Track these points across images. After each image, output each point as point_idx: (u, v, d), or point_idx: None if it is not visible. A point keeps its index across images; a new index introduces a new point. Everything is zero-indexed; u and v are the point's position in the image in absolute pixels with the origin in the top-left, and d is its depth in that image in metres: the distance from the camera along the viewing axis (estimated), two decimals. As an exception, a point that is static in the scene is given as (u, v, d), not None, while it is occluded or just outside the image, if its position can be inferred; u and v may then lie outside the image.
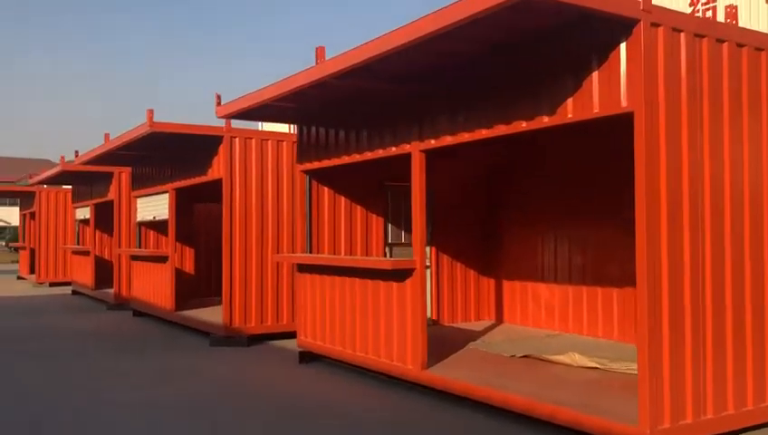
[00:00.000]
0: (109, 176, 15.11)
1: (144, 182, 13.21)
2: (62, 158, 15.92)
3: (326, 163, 8.22)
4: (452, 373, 6.47)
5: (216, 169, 10.17)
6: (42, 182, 19.66)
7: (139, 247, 13.57)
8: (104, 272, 16.29)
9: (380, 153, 7.25)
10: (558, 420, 5.25)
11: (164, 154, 11.90)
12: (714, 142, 5.02)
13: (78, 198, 18.19)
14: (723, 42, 5.10)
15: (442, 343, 7.72)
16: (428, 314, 8.83)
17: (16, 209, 52.14)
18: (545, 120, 5.33)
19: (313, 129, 8.47)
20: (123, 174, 14.86)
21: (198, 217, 13.80)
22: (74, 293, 18.52)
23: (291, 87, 6.74)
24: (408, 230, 9.65)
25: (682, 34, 4.85)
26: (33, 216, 22.60)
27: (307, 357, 8.47)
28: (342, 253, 8.88)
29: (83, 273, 17.43)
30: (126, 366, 8.67)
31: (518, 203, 9.65)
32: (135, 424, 6.10)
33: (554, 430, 5.32)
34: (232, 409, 6.47)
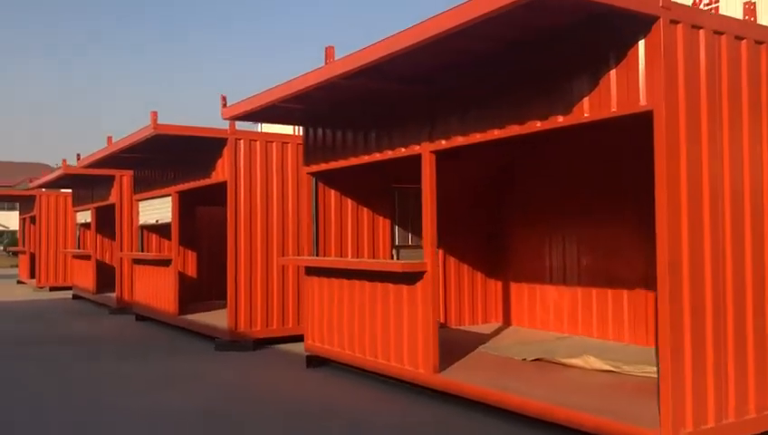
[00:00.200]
0: (110, 179, 15.01)
1: (146, 185, 13.11)
2: (64, 161, 15.81)
3: (333, 165, 8.13)
4: (465, 377, 6.37)
5: (221, 172, 10.08)
6: (42, 186, 19.56)
7: (141, 251, 13.47)
8: (105, 276, 16.17)
9: (389, 154, 7.17)
10: (576, 424, 5.15)
11: (167, 157, 11.81)
12: (733, 141, 4.94)
13: (79, 201, 18.07)
14: (741, 39, 5.02)
15: (451, 346, 7.62)
16: (437, 317, 8.74)
17: (14, 214, 52.02)
18: (560, 120, 5.25)
19: (320, 130, 8.39)
20: (125, 177, 14.76)
21: (200, 220, 13.72)
22: (75, 297, 18.40)
23: (300, 87, 6.65)
24: (415, 232, 9.58)
25: (701, 31, 4.77)
26: (32, 220, 22.48)
27: (315, 361, 8.37)
28: (349, 255, 8.79)
29: (84, 277, 17.32)
30: (129, 371, 8.57)
31: (525, 203, 9.56)
32: (139, 431, 6.00)
33: (572, 434, 5.23)
34: (239, 414, 6.37)
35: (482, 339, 8.50)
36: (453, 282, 9.73)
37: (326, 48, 6.53)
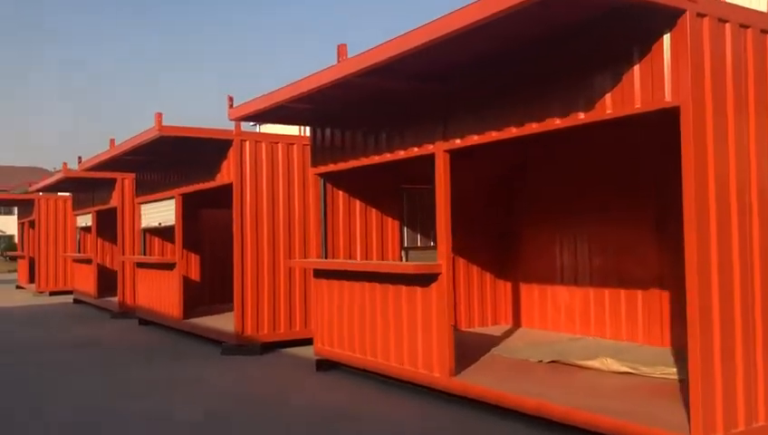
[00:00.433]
0: (111, 182, 14.86)
1: (149, 188, 12.96)
2: (65, 164, 15.65)
3: (342, 166, 8.01)
4: (482, 381, 6.26)
5: (226, 174, 9.94)
6: (42, 190, 19.40)
7: (144, 254, 13.33)
8: (106, 280, 16.03)
9: (401, 154, 7.04)
10: (598, 428, 5.03)
11: (170, 159, 11.67)
12: (759, 137, 4.83)
13: (79, 205, 17.92)
14: (767, 33, 4.92)
15: (463, 349, 7.49)
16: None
17: (11, 218, 51.81)
18: (581, 117, 5.14)
19: (328, 131, 8.26)
20: (126, 180, 14.62)
21: (203, 223, 13.58)
22: (76, 301, 18.25)
23: (312, 86, 6.51)
24: (424, 234, 9.47)
25: (727, 25, 4.67)
26: (32, 224, 22.32)
27: (324, 365, 8.24)
28: (358, 257, 8.66)
29: (85, 281, 17.17)
30: (133, 375, 8.43)
31: (535, 202, 9.45)
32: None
33: (592, 438, 5.12)
34: (249, 418, 6.25)
35: (493, 341, 8.38)
36: (462, 283, 9.61)
37: (338, 46, 6.40)
